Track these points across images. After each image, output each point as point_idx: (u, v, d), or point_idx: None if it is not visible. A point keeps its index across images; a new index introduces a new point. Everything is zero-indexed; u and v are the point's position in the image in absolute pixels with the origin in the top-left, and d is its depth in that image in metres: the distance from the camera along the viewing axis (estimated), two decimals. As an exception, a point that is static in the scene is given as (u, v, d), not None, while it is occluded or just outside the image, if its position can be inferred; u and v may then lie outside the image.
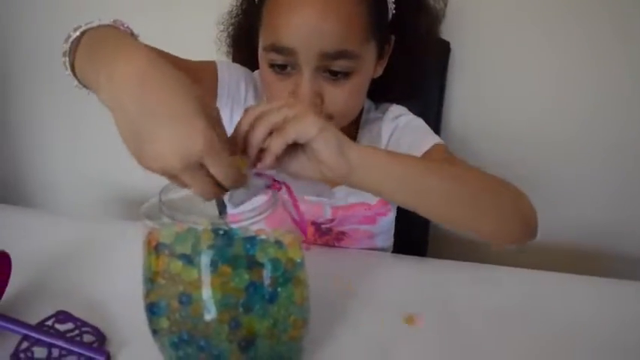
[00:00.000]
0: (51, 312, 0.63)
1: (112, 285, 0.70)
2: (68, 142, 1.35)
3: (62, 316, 0.62)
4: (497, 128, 1.09)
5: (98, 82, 0.47)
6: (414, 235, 1.00)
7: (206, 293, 0.50)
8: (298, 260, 0.53)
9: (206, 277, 0.50)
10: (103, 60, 0.49)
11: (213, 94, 0.79)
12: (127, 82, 0.45)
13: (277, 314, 0.51)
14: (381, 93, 0.84)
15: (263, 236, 0.52)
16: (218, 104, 0.79)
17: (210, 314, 0.50)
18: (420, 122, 0.86)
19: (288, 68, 0.71)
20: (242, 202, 0.54)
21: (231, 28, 0.85)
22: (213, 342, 0.51)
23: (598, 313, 0.69)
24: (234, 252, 0.50)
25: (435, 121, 0.98)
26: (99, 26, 0.55)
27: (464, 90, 1.07)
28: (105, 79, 0.46)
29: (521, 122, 1.07)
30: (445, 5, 0.83)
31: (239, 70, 0.83)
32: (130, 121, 0.45)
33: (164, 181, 0.49)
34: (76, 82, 0.57)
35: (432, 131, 0.84)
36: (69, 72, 0.56)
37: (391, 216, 0.86)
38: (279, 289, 0.51)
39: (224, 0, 0.85)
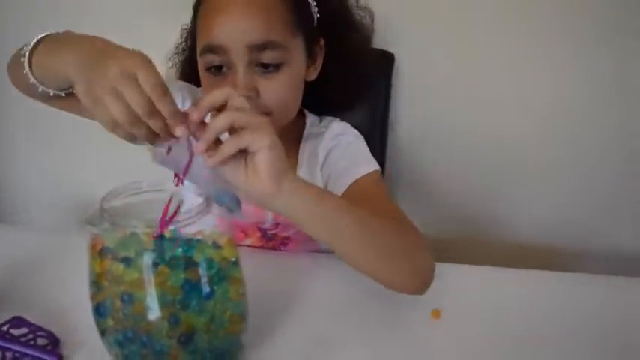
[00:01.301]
0: (7, 318, 0.66)
1: (66, 292, 0.73)
2: (38, 156, 1.38)
3: (17, 321, 0.66)
4: (439, 135, 1.14)
5: (66, 62, 0.59)
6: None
7: (146, 292, 0.54)
8: (233, 259, 0.58)
9: (146, 277, 0.54)
10: (68, 46, 0.61)
11: None
12: (93, 43, 0.58)
13: (214, 310, 0.56)
14: (322, 102, 0.89)
15: (200, 237, 0.56)
16: None
17: (150, 311, 0.54)
18: (359, 146, 0.89)
19: (224, 69, 0.77)
20: (162, 163, 0.58)
21: (179, 64, 0.91)
22: (155, 338, 0.55)
23: (584, 309, 0.73)
24: (171, 253, 0.54)
25: (381, 129, 1.03)
26: (57, 33, 0.66)
27: (408, 99, 1.12)
28: (72, 55, 0.58)
29: (465, 128, 1.13)
30: (372, 21, 0.92)
31: (176, 85, 0.90)
32: (88, 63, 0.55)
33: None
34: (32, 79, 0.66)
35: (369, 156, 0.87)
36: (27, 69, 0.66)
37: None
38: (214, 287, 0.55)
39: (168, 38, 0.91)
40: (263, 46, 0.75)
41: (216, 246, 0.57)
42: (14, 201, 1.45)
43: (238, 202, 0.61)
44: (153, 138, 0.55)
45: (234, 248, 0.58)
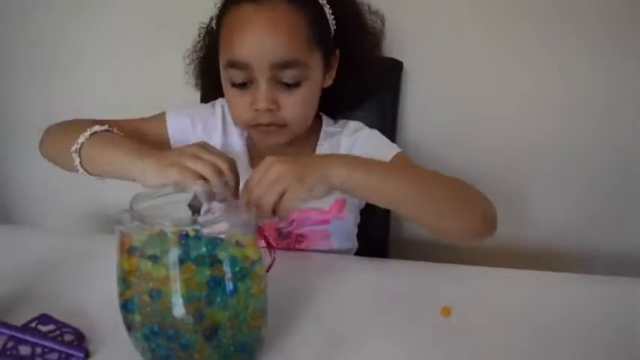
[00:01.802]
0: (34, 315, 0.69)
1: (90, 291, 0.76)
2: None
3: (44, 318, 0.68)
4: (447, 138, 1.17)
5: (131, 164, 0.72)
6: (375, 238, 1.07)
7: (173, 288, 0.56)
8: (255, 257, 0.60)
9: (173, 274, 0.56)
10: (130, 151, 0.73)
11: (166, 141, 0.92)
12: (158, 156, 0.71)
13: (237, 305, 0.58)
14: (334, 105, 0.92)
15: (223, 237, 0.59)
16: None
17: (177, 307, 0.57)
18: (378, 135, 0.94)
19: (247, 84, 0.81)
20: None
21: (197, 61, 0.94)
22: (181, 332, 0.57)
23: (578, 309, 0.75)
24: (197, 251, 0.57)
25: (390, 132, 1.06)
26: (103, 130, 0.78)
27: (417, 106, 1.15)
28: (139, 162, 0.71)
29: (473, 135, 1.16)
30: (383, 25, 0.95)
31: (186, 113, 0.94)
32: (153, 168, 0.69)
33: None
34: (81, 171, 0.78)
35: (390, 142, 0.93)
36: (78, 162, 0.77)
37: (346, 218, 0.93)
38: (238, 283, 0.58)
39: (188, 34, 0.94)
40: (285, 64, 0.79)
41: (238, 245, 0.60)
42: (29, 203, 1.48)
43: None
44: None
45: (256, 247, 0.61)
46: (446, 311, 0.73)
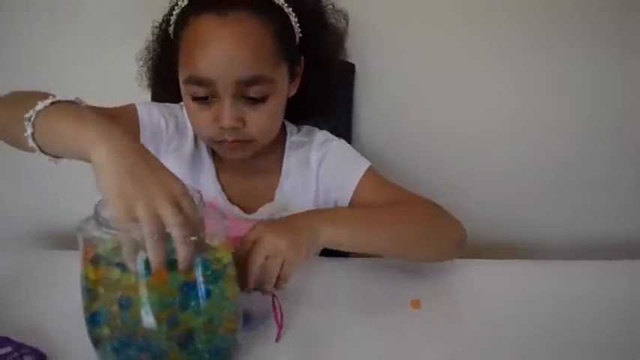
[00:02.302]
0: (-12, 338, 0.65)
1: (46, 308, 0.73)
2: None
3: (0, 340, 0.64)
4: (401, 140, 1.20)
5: (91, 142, 0.56)
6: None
7: (144, 295, 0.54)
8: (226, 260, 0.59)
9: (143, 280, 0.54)
10: (93, 128, 0.57)
11: (136, 135, 0.84)
12: (128, 144, 0.56)
13: (212, 309, 0.57)
14: (295, 111, 0.91)
15: (194, 238, 0.57)
16: (142, 142, 0.84)
17: (149, 314, 0.55)
18: (346, 147, 0.93)
19: (209, 98, 0.77)
20: None
21: (149, 62, 0.90)
22: (153, 341, 0.55)
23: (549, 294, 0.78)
24: (169, 256, 0.55)
25: (345, 135, 1.06)
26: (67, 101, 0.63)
27: (369, 107, 1.17)
28: (103, 140, 0.55)
29: (426, 133, 1.18)
30: (347, 24, 0.92)
31: (157, 108, 0.89)
32: (123, 168, 0.54)
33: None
34: (31, 144, 0.61)
35: (359, 155, 0.92)
36: (29, 133, 0.61)
37: None
38: (211, 287, 0.57)
39: (143, 34, 0.90)
40: (251, 81, 0.75)
41: (208, 247, 0.59)
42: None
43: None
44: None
45: (227, 249, 0.60)
46: (415, 304, 0.74)
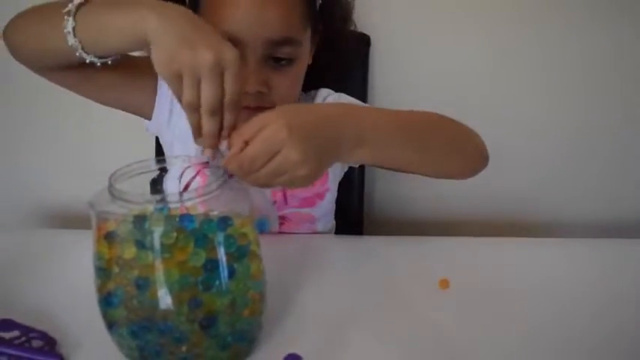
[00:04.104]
0: (-7, 322, 0.60)
1: (52, 290, 0.69)
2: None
3: (6, 324, 0.60)
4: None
5: (141, 16, 0.56)
6: (349, 215, 1.04)
7: (163, 275, 0.50)
8: (251, 236, 0.55)
9: (162, 258, 0.50)
10: (139, 4, 0.58)
11: (153, 91, 0.81)
12: (179, 11, 0.58)
13: (236, 289, 0.53)
14: (307, 81, 0.86)
15: (215, 212, 0.53)
16: (160, 97, 0.82)
17: (168, 295, 0.50)
18: (347, 98, 0.89)
19: None
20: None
21: None
22: (174, 324, 0.51)
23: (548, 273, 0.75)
24: (187, 232, 0.51)
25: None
26: None
27: (385, 78, 1.13)
28: (153, 13, 0.56)
29: (443, 105, 1.13)
30: None
31: None
32: (175, 32, 0.55)
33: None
34: (72, 41, 0.61)
35: (362, 103, 0.89)
36: (70, 28, 0.60)
37: (328, 198, 0.89)
38: (235, 265, 0.53)
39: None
40: (281, 42, 0.71)
41: (230, 223, 0.54)
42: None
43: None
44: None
45: (252, 224, 0.55)
46: (444, 283, 0.70)
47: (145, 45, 0.57)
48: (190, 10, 0.59)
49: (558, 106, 1.17)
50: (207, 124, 0.56)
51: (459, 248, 0.81)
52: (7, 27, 0.70)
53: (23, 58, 0.71)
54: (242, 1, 0.69)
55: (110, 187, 0.51)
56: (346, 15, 0.88)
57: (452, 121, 0.72)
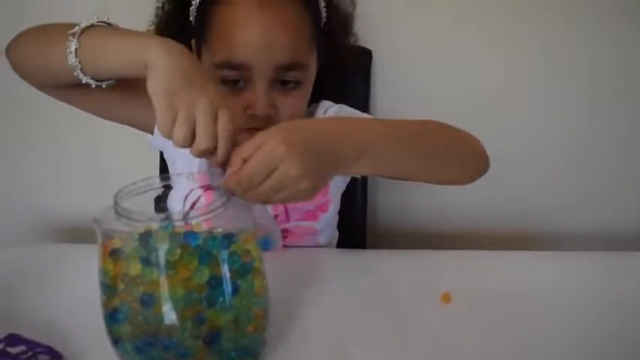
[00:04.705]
0: (0, 337, 0.61)
1: (58, 305, 0.69)
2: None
3: (12, 339, 0.60)
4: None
5: (145, 45, 0.58)
6: (352, 227, 1.04)
7: (168, 291, 0.51)
8: (254, 253, 0.55)
9: (167, 275, 0.51)
10: (146, 36, 0.61)
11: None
12: (182, 50, 0.59)
13: (240, 306, 0.53)
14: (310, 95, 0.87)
15: (219, 230, 0.54)
16: None
17: (173, 311, 0.51)
18: (347, 109, 0.90)
19: (240, 83, 0.73)
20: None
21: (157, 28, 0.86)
22: (178, 340, 0.52)
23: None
24: (192, 249, 0.52)
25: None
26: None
27: (387, 92, 1.14)
28: (157, 43, 0.58)
29: (443, 119, 1.15)
30: (354, 9, 0.88)
31: None
32: (175, 69, 0.56)
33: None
34: (72, 61, 0.62)
35: (362, 113, 0.90)
36: (73, 49, 0.62)
37: (332, 210, 0.89)
38: (239, 281, 0.53)
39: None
40: (290, 67, 0.72)
41: (233, 240, 0.55)
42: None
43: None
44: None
45: (256, 241, 0.56)
46: (446, 297, 0.71)
47: (142, 71, 0.57)
48: (191, 54, 0.60)
49: (562, 119, 1.16)
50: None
51: (461, 261, 0.80)
52: (9, 44, 0.72)
53: (24, 74, 0.72)
54: (251, 27, 0.70)
55: (115, 205, 0.52)
56: (347, 29, 0.88)
57: (450, 127, 0.72)
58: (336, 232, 0.96)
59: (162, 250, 0.51)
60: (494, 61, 1.12)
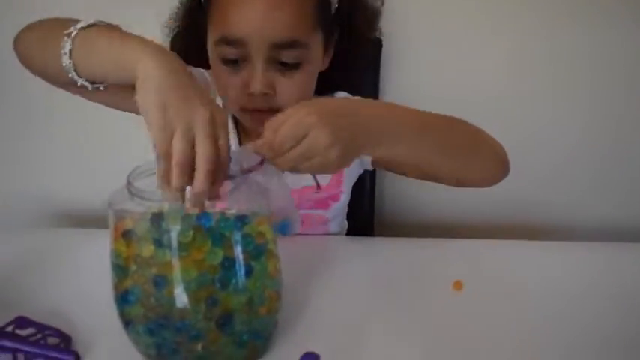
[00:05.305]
0: (8, 320, 0.60)
1: (65, 288, 0.69)
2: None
3: (21, 321, 0.60)
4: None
5: (137, 55, 0.54)
6: (361, 218, 1.04)
7: (180, 273, 0.50)
8: (268, 235, 0.55)
9: (179, 256, 0.50)
10: (140, 43, 0.56)
11: None
12: (176, 62, 0.55)
13: (253, 287, 0.53)
14: (319, 85, 0.86)
15: (234, 212, 0.53)
16: None
17: (185, 293, 0.50)
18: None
19: (239, 61, 0.72)
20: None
21: (176, 31, 0.85)
22: (190, 322, 0.51)
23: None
24: (205, 230, 0.51)
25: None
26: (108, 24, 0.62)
27: (396, 83, 1.12)
28: (151, 54, 0.54)
29: (452, 110, 1.14)
30: (382, 4, 0.87)
31: (190, 67, 0.83)
32: (168, 83, 0.52)
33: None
34: (65, 62, 0.60)
35: None
36: (67, 51, 0.59)
37: (343, 200, 0.89)
38: (252, 263, 0.53)
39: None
40: (286, 45, 0.71)
41: (247, 221, 0.54)
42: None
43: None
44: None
45: (269, 223, 0.55)
46: (457, 285, 0.70)
47: (135, 81, 0.54)
48: (185, 66, 0.56)
49: (567, 110, 1.16)
50: (178, 179, 0.51)
51: (471, 250, 0.80)
52: (16, 37, 0.70)
53: (31, 70, 0.70)
54: (248, 3, 0.70)
55: (128, 185, 0.51)
56: (371, 22, 0.87)
57: (473, 126, 0.72)
58: (346, 223, 0.95)
59: (175, 231, 0.50)
60: (504, 52, 1.12)
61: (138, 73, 0.53)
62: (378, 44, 1.04)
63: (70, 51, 0.59)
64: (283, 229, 0.60)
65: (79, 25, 0.60)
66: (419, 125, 0.65)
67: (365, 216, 1.06)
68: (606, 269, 0.76)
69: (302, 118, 0.56)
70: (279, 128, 0.56)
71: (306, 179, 0.81)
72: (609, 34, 1.10)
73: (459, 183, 0.74)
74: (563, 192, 1.22)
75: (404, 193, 1.21)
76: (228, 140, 0.53)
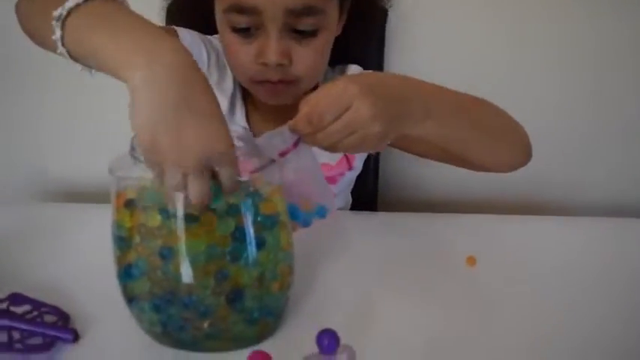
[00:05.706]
0: (2, 296, 0.57)
1: (62, 264, 0.66)
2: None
3: (16, 298, 0.57)
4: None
5: (129, 61, 0.45)
6: (364, 194, 1.02)
7: (189, 245, 0.47)
8: (279, 206, 0.52)
9: (187, 227, 0.47)
10: (135, 40, 0.46)
11: None
12: (172, 73, 0.44)
13: (265, 261, 0.50)
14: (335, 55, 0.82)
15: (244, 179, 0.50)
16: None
17: (193, 267, 0.47)
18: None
19: (252, 30, 0.68)
20: None
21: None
22: (199, 297, 0.48)
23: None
24: (214, 199, 0.48)
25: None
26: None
27: (401, 54, 1.10)
28: (144, 62, 0.44)
29: (460, 82, 1.12)
30: None
31: (199, 36, 0.79)
32: (158, 107, 0.43)
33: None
34: (60, 49, 0.51)
35: None
36: (58, 36, 0.50)
37: (351, 175, 0.86)
38: (265, 235, 0.50)
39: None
40: (302, 12, 0.66)
41: (257, 192, 0.51)
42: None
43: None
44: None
45: (281, 194, 0.52)
46: (471, 261, 0.68)
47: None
48: (193, 61, 0.47)
49: (577, 85, 1.14)
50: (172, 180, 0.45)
51: (481, 225, 0.79)
52: (16, 4, 0.62)
53: (30, 38, 0.62)
54: None
55: (132, 150, 0.47)
56: None
57: (502, 110, 0.70)
58: (350, 198, 0.93)
59: (181, 199, 0.46)
60: (509, 25, 1.09)
61: (128, 87, 0.45)
62: (383, 13, 1.01)
63: (62, 37, 0.50)
64: (321, 211, 0.57)
65: (68, 4, 0.49)
66: (456, 104, 0.63)
67: (368, 192, 1.04)
68: (619, 243, 0.76)
69: (343, 90, 0.52)
70: (319, 102, 0.52)
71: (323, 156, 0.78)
72: (615, 20, 1.08)
73: (484, 167, 0.71)
74: (571, 171, 1.20)
75: (408, 169, 1.19)
76: (232, 177, 0.46)
